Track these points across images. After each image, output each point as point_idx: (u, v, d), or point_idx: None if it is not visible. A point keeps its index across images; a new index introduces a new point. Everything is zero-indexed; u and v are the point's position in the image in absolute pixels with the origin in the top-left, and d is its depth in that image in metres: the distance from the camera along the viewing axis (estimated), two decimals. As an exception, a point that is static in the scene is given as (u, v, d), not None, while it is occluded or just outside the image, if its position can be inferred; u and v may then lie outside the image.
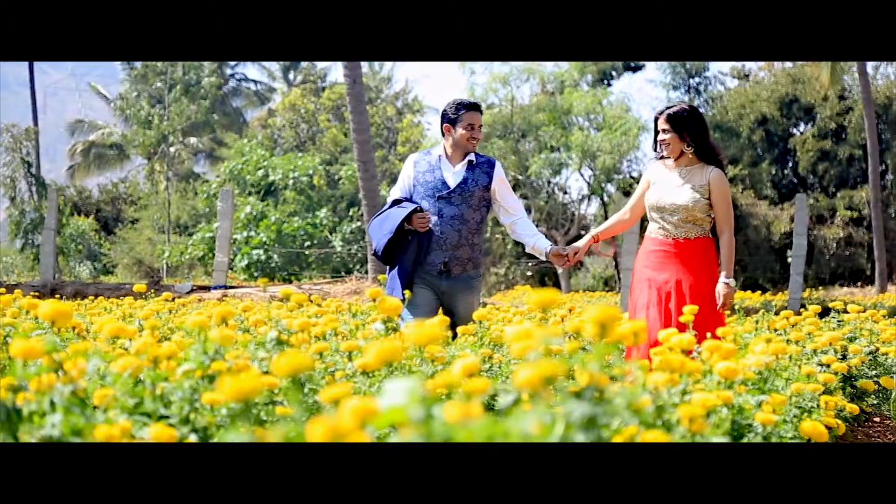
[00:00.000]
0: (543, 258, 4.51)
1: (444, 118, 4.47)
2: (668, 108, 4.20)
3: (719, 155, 4.22)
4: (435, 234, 4.36)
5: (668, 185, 4.24)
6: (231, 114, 34.91)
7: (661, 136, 4.21)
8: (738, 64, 29.74)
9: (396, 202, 4.45)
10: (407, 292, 4.11)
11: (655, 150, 4.34)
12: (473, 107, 4.45)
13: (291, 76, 37.11)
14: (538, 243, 4.53)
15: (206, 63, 29.22)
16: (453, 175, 4.43)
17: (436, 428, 1.16)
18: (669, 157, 4.26)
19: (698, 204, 4.15)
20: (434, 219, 4.37)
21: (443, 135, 4.51)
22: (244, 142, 25.81)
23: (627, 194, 24.91)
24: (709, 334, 2.93)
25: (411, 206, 4.34)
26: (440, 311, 4.45)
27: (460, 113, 4.41)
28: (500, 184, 4.50)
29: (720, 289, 4.11)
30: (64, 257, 22.77)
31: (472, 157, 4.45)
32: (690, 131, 4.15)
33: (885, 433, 4.34)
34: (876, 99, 24.04)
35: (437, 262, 4.36)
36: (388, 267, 4.45)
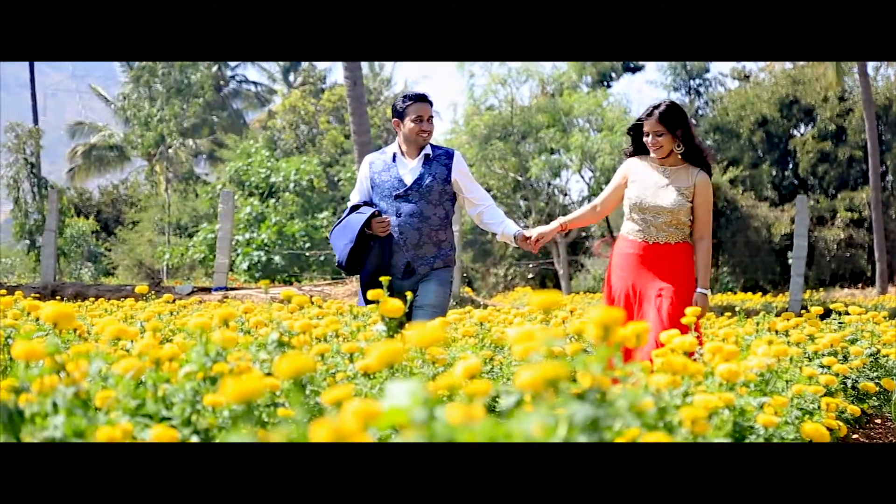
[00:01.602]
0: (513, 244, 4.34)
1: (393, 113, 4.29)
2: (654, 108, 3.99)
3: (706, 155, 4.04)
4: (395, 234, 4.18)
5: (650, 184, 4.05)
6: (231, 115, 34.94)
7: (652, 139, 4.00)
8: (739, 65, 29.77)
9: (355, 208, 4.26)
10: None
11: (645, 153, 4.14)
12: (420, 98, 4.23)
13: (291, 78, 37.13)
14: (506, 230, 4.32)
15: (199, 63, 29.02)
16: (409, 171, 4.24)
17: (438, 430, 1.16)
18: (653, 156, 4.06)
19: (683, 207, 3.99)
20: (393, 219, 4.19)
21: (395, 131, 4.32)
22: (249, 143, 25.81)
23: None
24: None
25: (369, 211, 4.15)
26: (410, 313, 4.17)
27: (406, 105, 4.21)
28: (461, 175, 4.29)
29: (696, 299, 3.95)
30: (65, 259, 22.76)
31: (428, 150, 4.26)
32: (683, 129, 3.98)
33: (887, 435, 4.33)
34: (876, 100, 24.07)
35: (400, 265, 4.19)
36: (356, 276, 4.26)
